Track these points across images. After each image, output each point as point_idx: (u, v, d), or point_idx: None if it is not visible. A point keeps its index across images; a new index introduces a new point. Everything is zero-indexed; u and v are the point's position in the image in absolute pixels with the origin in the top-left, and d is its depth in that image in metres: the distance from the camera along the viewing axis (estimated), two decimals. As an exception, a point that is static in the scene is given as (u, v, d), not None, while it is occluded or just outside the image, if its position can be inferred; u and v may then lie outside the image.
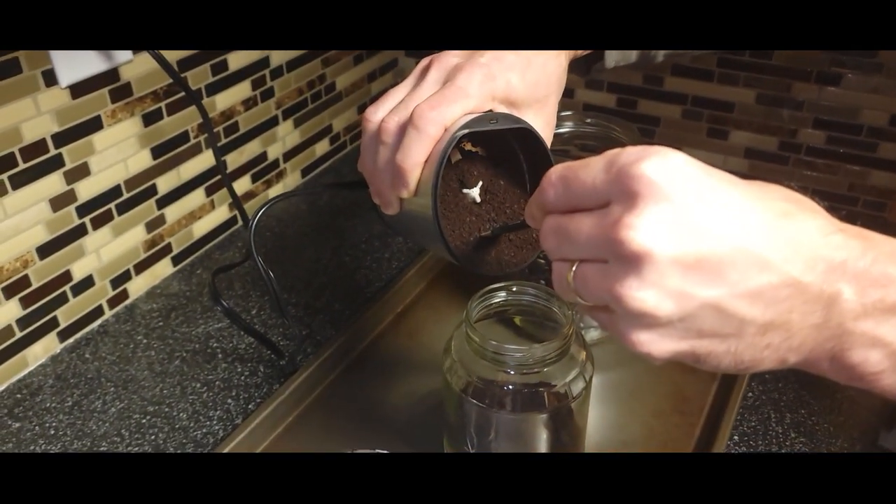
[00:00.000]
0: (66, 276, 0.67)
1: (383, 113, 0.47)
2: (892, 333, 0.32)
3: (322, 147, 0.94)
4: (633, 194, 0.31)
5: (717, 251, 0.31)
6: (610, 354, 0.65)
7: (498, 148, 0.50)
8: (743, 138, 0.87)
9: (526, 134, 0.48)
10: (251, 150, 0.83)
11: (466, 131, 0.45)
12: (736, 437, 0.59)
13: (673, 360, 0.34)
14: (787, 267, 0.31)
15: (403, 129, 0.45)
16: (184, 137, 0.75)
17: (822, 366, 0.34)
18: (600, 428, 0.61)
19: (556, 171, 0.36)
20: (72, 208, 0.66)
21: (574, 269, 0.34)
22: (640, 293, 0.31)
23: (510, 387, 0.51)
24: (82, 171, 0.66)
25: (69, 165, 0.65)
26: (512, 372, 0.50)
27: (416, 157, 0.45)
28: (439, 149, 0.45)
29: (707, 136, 0.89)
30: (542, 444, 0.53)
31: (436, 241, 0.47)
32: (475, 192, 0.49)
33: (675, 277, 0.31)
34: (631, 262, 0.31)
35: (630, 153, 0.32)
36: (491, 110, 0.47)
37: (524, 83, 0.48)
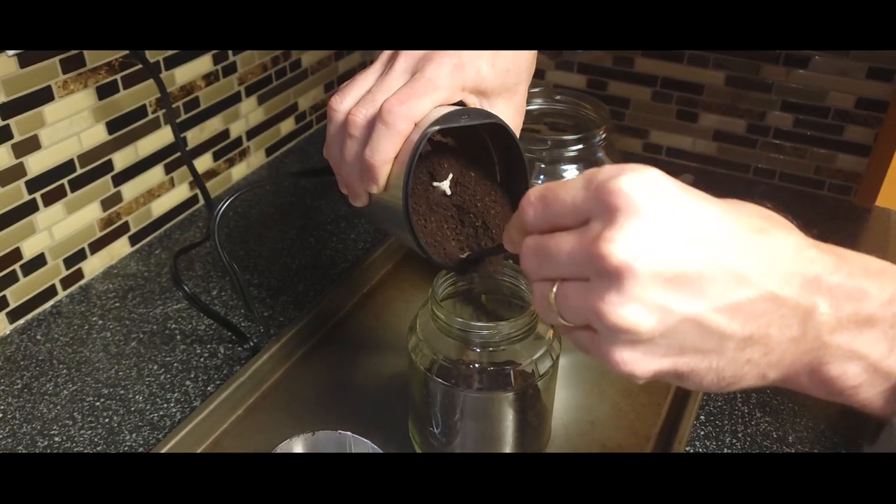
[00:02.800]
0: (16, 255, 0.65)
1: (350, 102, 0.46)
2: (868, 346, 0.32)
3: (287, 126, 0.92)
4: (612, 209, 0.31)
5: (697, 266, 0.31)
6: (578, 335, 0.64)
7: (468, 138, 0.49)
8: (712, 121, 0.87)
9: (497, 127, 0.47)
10: (212, 127, 0.81)
11: (437, 128, 0.44)
12: (702, 417, 0.58)
13: (656, 380, 0.34)
14: (764, 281, 0.31)
15: (372, 124, 0.44)
16: (141, 112, 0.72)
17: (802, 381, 0.34)
18: (568, 408, 0.60)
19: (534, 191, 0.35)
20: (21, 183, 0.63)
21: (555, 289, 0.34)
22: (622, 309, 0.31)
23: (476, 365, 0.49)
24: (32, 144, 0.63)
25: (18, 138, 0.62)
26: (478, 350, 0.49)
27: (386, 154, 0.44)
28: (410, 145, 0.44)
29: (676, 118, 0.89)
30: (509, 424, 0.52)
31: (405, 234, 0.46)
32: (445, 185, 0.48)
33: (656, 291, 0.31)
34: (612, 276, 0.31)
35: (608, 170, 0.32)
36: (461, 101, 0.47)
37: (494, 71, 0.47)
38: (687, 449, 0.56)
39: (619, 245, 0.30)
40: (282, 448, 0.50)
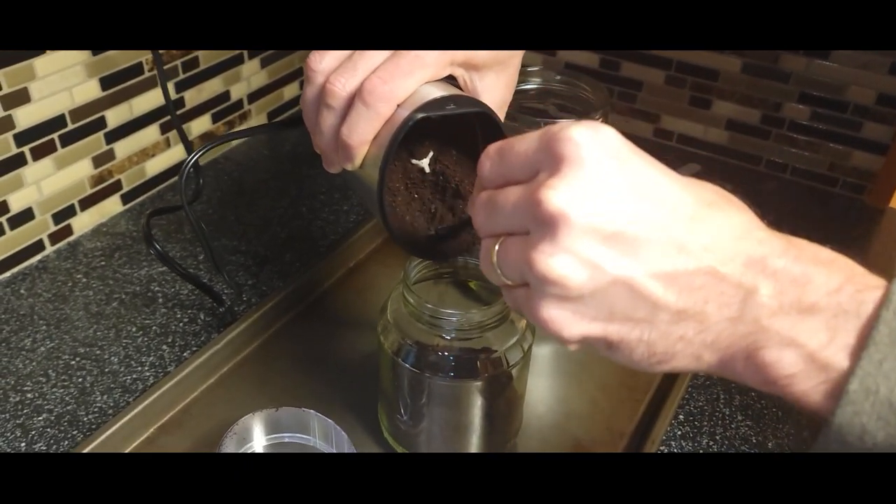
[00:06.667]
0: (3, 207, 0.64)
1: (329, 63, 0.43)
2: (807, 335, 0.30)
3: (291, 90, 0.91)
4: (559, 158, 0.30)
5: (637, 227, 0.30)
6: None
7: (451, 115, 0.48)
8: (726, 109, 0.84)
9: (483, 113, 0.45)
10: (212, 88, 0.80)
11: (421, 115, 0.41)
12: (681, 416, 0.57)
13: (586, 346, 0.33)
14: (705, 255, 0.30)
15: (351, 98, 0.42)
16: (137, 69, 0.71)
17: (737, 366, 0.32)
18: (544, 399, 0.59)
19: (493, 145, 0.34)
20: (9, 136, 0.63)
21: (498, 245, 0.33)
22: (552, 259, 0.30)
23: (445, 352, 0.48)
24: (21, 97, 0.62)
25: (7, 90, 0.61)
26: (448, 337, 0.48)
27: (364, 136, 0.42)
28: (391, 126, 0.42)
29: (689, 104, 0.86)
30: (477, 412, 0.51)
31: (376, 212, 0.44)
32: (424, 163, 0.46)
33: (590, 246, 0.30)
34: (547, 224, 0.30)
35: (564, 123, 0.32)
36: (451, 75, 0.45)
37: None
38: (661, 449, 0.54)
39: (557, 192, 0.30)
40: (241, 423, 0.49)
